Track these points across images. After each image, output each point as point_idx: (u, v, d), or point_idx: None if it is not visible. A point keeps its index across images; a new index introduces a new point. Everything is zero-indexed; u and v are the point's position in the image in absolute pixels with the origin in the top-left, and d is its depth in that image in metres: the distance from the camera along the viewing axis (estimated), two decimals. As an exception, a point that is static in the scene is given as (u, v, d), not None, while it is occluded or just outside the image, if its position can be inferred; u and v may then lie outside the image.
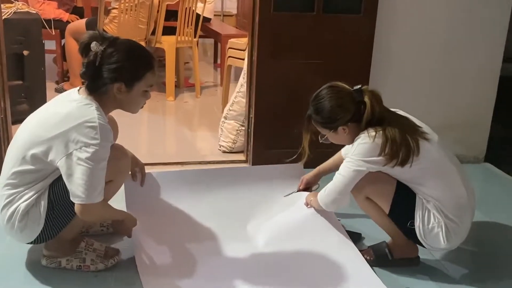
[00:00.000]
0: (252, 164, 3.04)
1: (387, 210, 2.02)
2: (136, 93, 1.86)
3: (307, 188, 2.43)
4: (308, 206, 2.24)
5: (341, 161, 2.09)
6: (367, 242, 2.25)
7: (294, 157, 2.23)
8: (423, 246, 2.05)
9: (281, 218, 2.29)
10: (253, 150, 3.06)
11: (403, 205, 2.00)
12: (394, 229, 2.07)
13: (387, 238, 2.14)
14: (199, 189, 2.37)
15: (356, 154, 1.95)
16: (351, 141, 2.01)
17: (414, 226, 1.98)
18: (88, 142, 1.72)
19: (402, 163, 1.92)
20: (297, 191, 2.42)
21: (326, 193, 2.05)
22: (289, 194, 2.43)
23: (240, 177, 2.48)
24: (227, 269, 2.03)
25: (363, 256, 2.12)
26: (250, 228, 2.27)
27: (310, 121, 2.05)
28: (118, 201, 2.13)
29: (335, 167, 2.31)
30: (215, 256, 2.10)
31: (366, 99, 1.95)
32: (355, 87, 2.00)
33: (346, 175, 1.98)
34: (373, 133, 1.92)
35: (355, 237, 2.26)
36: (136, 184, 2.24)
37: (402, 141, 1.91)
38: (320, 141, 2.10)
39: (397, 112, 2.06)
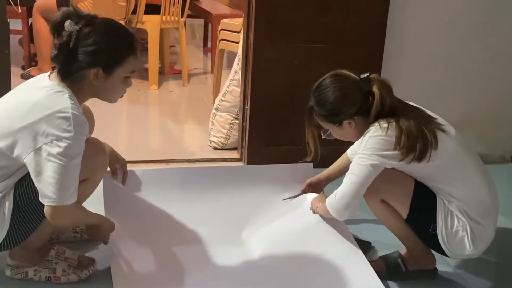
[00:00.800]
0: (247, 163, 3.05)
1: (405, 214, 2.03)
2: (115, 80, 1.86)
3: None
4: (314, 212, 2.24)
5: (348, 163, 2.09)
6: (378, 252, 2.27)
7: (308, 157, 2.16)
8: (444, 254, 2.06)
9: (281, 223, 2.30)
10: (248, 147, 3.06)
11: (422, 207, 2.01)
12: (410, 236, 2.08)
13: (400, 247, 2.16)
14: (189, 190, 2.38)
15: (368, 148, 1.95)
16: (358, 136, 2.02)
17: (436, 230, 1.99)
18: (60, 135, 1.72)
19: (420, 158, 1.94)
20: (298, 195, 2.42)
21: (337, 198, 2.02)
22: (289, 198, 2.44)
23: (237, 178, 2.47)
24: (218, 280, 2.04)
25: (373, 268, 2.12)
26: (245, 234, 2.29)
27: (312, 114, 2.06)
28: (95, 204, 2.14)
29: (343, 171, 2.29)
30: (204, 265, 2.11)
31: (375, 89, 1.96)
32: (362, 76, 2.01)
33: (359, 173, 1.96)
34: (385, 125, 1.93)
35: (364, 247, 2.27)
36: (116, 182, 2.24)
37: (418, 133, 1.93)
38: (323, 137, 2.11)
39: (409, 103, 2.07)
